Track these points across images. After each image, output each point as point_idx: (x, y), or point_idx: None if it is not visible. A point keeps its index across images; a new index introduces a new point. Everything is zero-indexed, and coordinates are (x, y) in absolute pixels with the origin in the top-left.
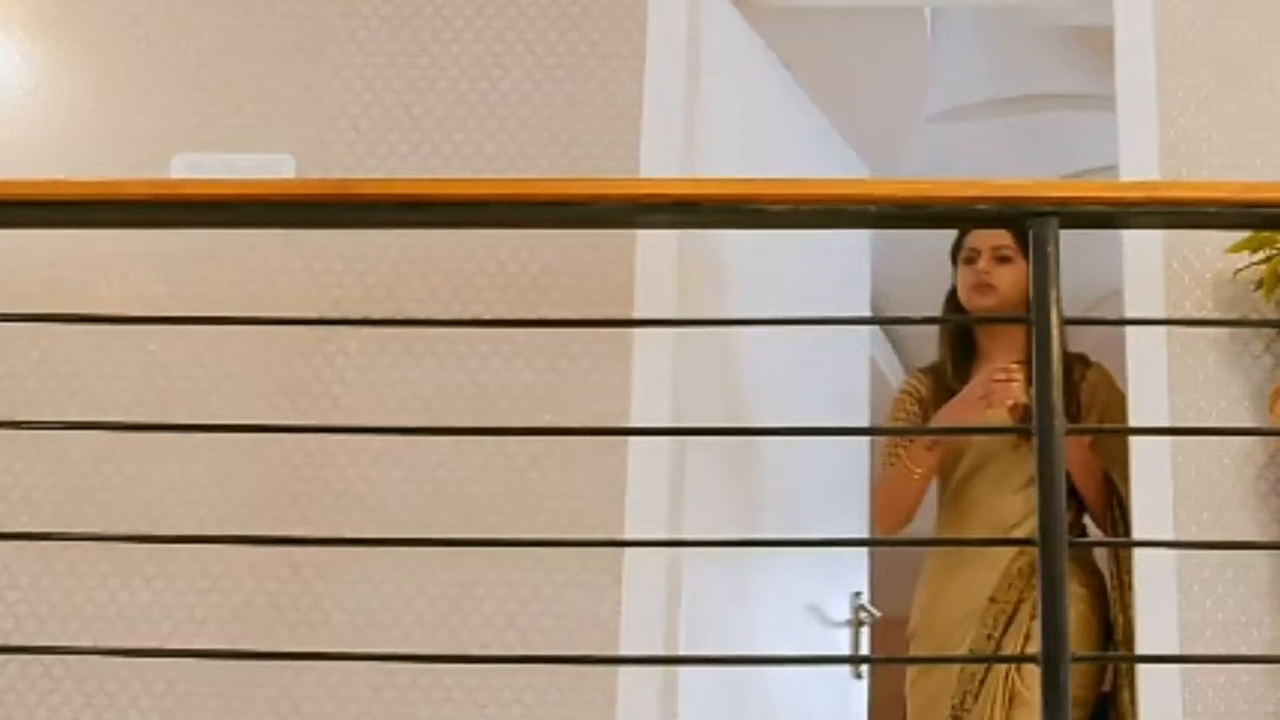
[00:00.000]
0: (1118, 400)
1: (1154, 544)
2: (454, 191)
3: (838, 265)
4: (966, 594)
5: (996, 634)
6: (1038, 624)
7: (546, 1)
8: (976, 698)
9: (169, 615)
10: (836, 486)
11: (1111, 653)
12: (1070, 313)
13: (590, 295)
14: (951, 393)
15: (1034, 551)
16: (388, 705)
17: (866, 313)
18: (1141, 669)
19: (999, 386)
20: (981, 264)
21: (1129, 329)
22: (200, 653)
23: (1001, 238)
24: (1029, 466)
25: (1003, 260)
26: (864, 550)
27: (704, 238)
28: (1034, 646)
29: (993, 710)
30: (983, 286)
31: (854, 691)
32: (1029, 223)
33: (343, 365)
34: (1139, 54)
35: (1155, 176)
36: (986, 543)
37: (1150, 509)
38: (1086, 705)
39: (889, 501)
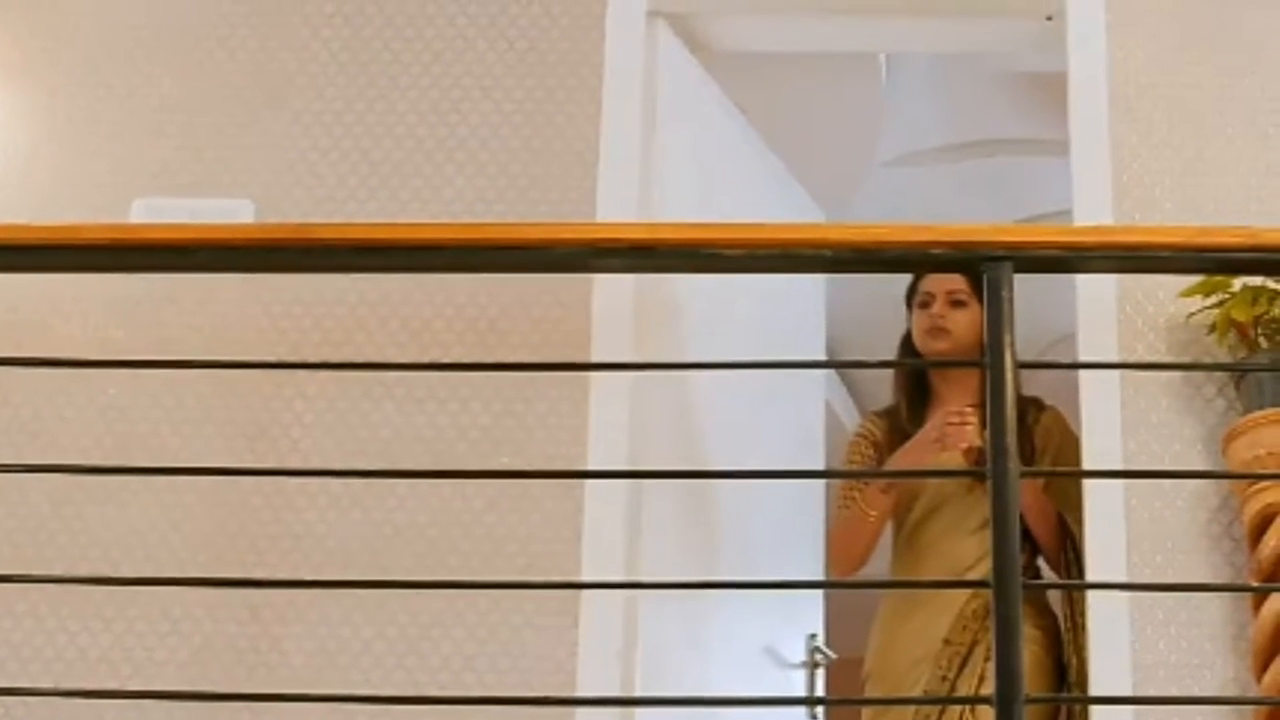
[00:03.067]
0: (1071, 443)
1: (1107, 586)
2: (412, 236)
3: (793, 309)
4: (921, 636)
5: (951, 675)
6: (992, 665)
7: (503, 47)
8: None
9: (129, 657)
10: (792, 529)
11: (1065, 694)
12: (1024, 356)
13: (547, 339)
14: (906, 436)
15: (988, 593)
16: None
17: (822, 356)
18: (1095, 710)
19: (953, 430)
20: (936, 308)
21: (1083, 372)
22: (160, 694)
23: (956, 282)
24: (983, 509)
25: (957, 304)
26: (819, 592)
27: (660, 282)
28: (988, 688)
29: None
30: (937, 330)
31: None
32: (983, 267)
33: (301, 408)
34: (1092, 99)
35: (1109, 221)
36: (941, 585)
37: (1103, 551)
38: None
39: (844, 544)
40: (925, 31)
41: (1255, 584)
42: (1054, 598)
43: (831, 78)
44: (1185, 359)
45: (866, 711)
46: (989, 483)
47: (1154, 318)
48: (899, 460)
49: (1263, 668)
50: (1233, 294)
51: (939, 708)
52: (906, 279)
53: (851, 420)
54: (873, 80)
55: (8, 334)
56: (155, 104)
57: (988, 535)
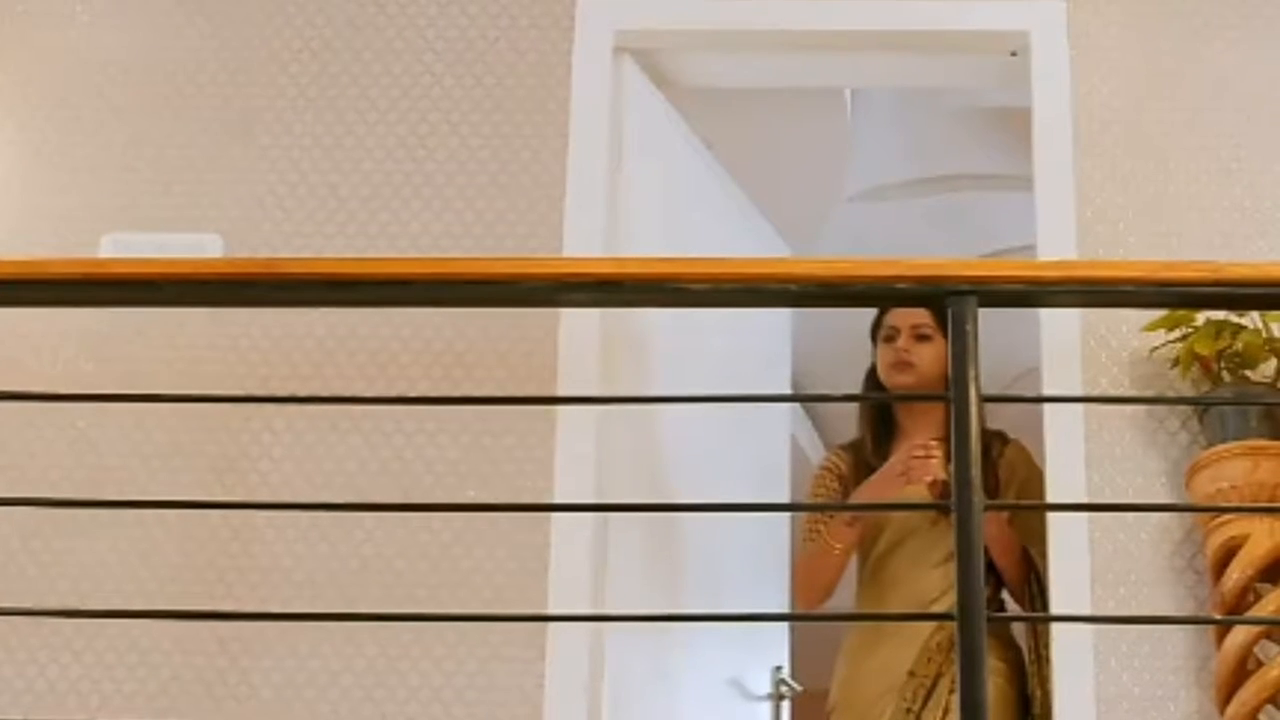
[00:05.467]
0: (1035, 476)
1: (1071, 619)
2: (379, 271)
3: (759, 343)
4: (886, 668)
5: (915, 708)
6: (956, 698)
7: (471, 83)
8: None
9: (97, 689)
10: (757, 562)
11: None
12: (988, 390)
13: (514, 373)
14: (871, 469)
15: (952, 626)
16: None
17: (787, 390)
18: None
19: (918, 463)
20: (901, 342)
21: (1047, 406)
22: None
23: (921, 316)
24: (948, 542)
25: (922, 338)
26: (785, 624)
27: (627, 316)
28: None
29: None
30: (902, 364)
31: None
32: (948, 301)
33: (269, 442)
34: (1056, 135)
35: (1073, 255)
36: (906, 618)
37: (1067, 584)
38: None
39: (809, 577)
40: (890, 67)
41: (1218, 616)
42: (1018, 630)
43: (797, 113)
44: (1149, 393)
45: None
46: (953, 516)
47: (1118, 352)
48: (864, 493)
49: (1225, 700)
50: (1196, 328)
51: None
52: (872, 313)
53: (816, 454)
54: (838, 115)
55: None
56: (124, 139)
57: (952, 568)
